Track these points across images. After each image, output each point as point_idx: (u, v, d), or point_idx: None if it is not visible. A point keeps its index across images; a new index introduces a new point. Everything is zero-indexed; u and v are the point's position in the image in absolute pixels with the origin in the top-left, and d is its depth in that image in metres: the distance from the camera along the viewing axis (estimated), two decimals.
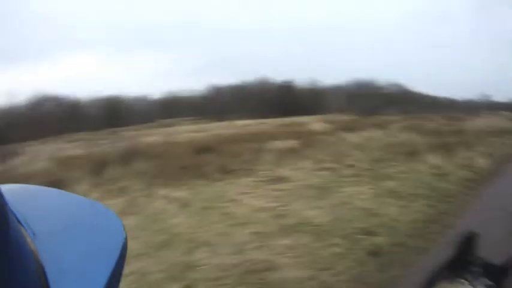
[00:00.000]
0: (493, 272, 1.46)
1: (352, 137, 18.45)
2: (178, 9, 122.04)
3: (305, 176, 10.90)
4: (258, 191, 9.81)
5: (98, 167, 13.66)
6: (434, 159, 12.36)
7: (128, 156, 14.61)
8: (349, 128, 22.28)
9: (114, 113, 52.11)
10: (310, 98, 50.04)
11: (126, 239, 0.84)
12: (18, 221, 0.79)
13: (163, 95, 61.52)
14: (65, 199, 1.09)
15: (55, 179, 12.65)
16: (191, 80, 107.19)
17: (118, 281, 0.77)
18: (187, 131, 28.47)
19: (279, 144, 14.80)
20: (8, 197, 0.63)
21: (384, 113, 36.57)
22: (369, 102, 41.12)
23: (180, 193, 10.12)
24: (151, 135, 26.46)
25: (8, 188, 0.88)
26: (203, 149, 14.79)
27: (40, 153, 22.96)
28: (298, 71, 79.41)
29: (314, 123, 25.73)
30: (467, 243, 1.51)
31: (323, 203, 8.20)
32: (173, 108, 55.49)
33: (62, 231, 0.88)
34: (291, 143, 15.05)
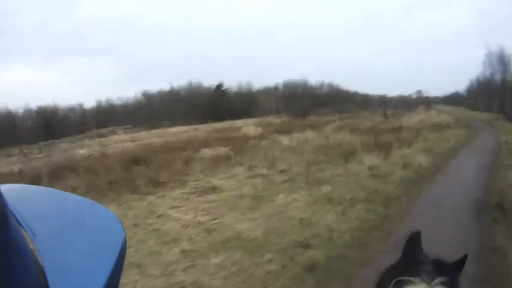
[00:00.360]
0: (445, 269, 1.46)
1: (286, 140, 18.16)
2: (109, 11, 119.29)
3: (237, 184, 10.48)
4: (188, 203, 9.34)
5: (31, 183, 12.84)
6: (371, 159, 11.91)
7: (60, 172, 14.34)
8: (282, 130, 22.13)
9: (48, 124, 50.78)
10: (243, 101, 49.73)
11: (125, 239, 0.82)
12: (18, 222, 0.76)
13: (97, 103, 59.96)
14: (64, 199, 1.02)
15: None
16: (125, 86, 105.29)
17: (117, 281, 0.75)
18: (120, 141, 27.91)
19: (211, 151, 14.30)
20: (7, 197, 0.61)
21: (317, 114, 36.71)
22: (302, 103, 41.15)
23: (111, 209, 9.56)
24: (84, 147, 26.00)
25: (7, 189, 0.79)
26: (134, 160, 14.15)
27: None
28: (230, 75, 79.08)
29: (247, 127, 25.42)
30: (412, 243, 1.53)
31: (256, 214, 7.74)
32: (107, 116, 54.35)
33: (62, 232, 0.85)
34: (223, 150, 14.53)
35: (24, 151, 30.52)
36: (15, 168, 19.18)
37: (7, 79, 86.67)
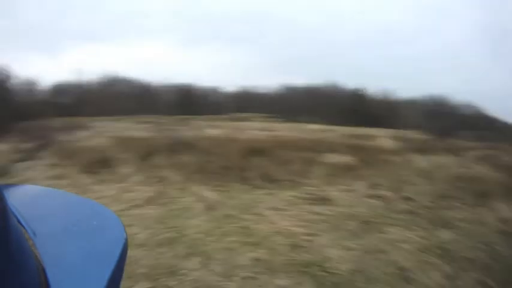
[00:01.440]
0: None
1: (421, 161, 16.09)
2: (252, 2, 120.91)
3: (351, 201, 9.36)
4: (292, 209, 8.65)
5: (149, 152, 13.77)
6: (505, 208, 9.42)
7: (179, 146, 14.47)
8: (420, 149, 19.70)
9: (185, 101, 52.39)
10: (383, 110, 47.78)
11: (126, 239, 0.92)
12: (19, 222, 0.85)
13: (238, 88, 61.01)
14: (65, 200, 1.20)
15: (104, 156, 13.24)
16: (262, 76, 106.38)
17: (119, 281, 0.82)
18: (251, 128, 27.68)
19: (336, 158, 13.27)
20: (9, 197, 0.64)
21: (459, 137, 34.34)
22: (445, 122, 38.60)
23: (212, 194, 9.71)
24: (214, 128, 26.15)
25: (9, 189, 1.07)
26: (255, 150, 13.72)
27: (104, 130, 23.62)
28: (371, 80, 76.75)
29: (383, 138, 23.76)
30: None
31: (356, 243, 6.66)
32: (246, 103, 54.82)
33: (63, 232, 0.94)
34: (349, 159, 13.35)
35: (158, 120, 31.34)
36: (143, 134, 20.30)
37: (148, 55, 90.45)
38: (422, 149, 19.73)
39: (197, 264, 5.80)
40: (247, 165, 11.92)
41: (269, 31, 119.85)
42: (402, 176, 12.35)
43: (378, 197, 9.79)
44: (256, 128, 27.81)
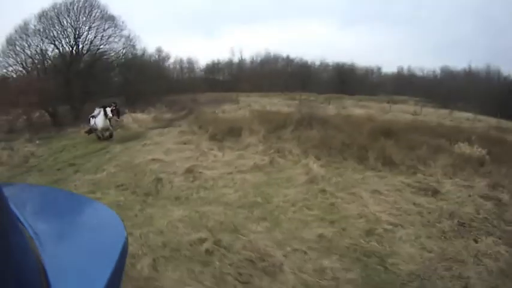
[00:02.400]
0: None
1: None
2: None
3: (462, 198, 8.34)
4: (393, 195, 8.14)
5: (279, 125, 14.08)
6: None
7: (312, 121, 14.32)
8: None
9: (343, 80, 52.19)
10: None
11: (126, 238, 0.97)
12: (20, 220, 0.85)
13: (398, 69, 59.76)
14: (66, 198, 1.25)
15: (234, 127, 13.98)
16: (423, 58, 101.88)
17: (119, 280, 0.86)
18: (397, 110, 26.83)
19: (465, 148, 12.11)
20: (9, 196, 0.64)
21: None
22: None
23: (320, 169, 9.64)
24: (361, 108, 26.04)
25: (9, 187, 1.08)
26: (385, 132, 13.12)
27: (246, 105, 24.23)
28: None
29: None
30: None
31: (438, 247, 5.91)
32: (405, 85, 53.24)
33: (63, 231, 0.99)
34: (479, 151, 12.00)
35: (310, 98, 32.86)
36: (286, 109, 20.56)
37: (307, 35, 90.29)
38: None
39: (261, 229, 6.10)
40: (372, 145, 11.49)
41: (430, 12, 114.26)
42: None
43: (495, 199, 8.53)
44: (402, 111, 26.94)
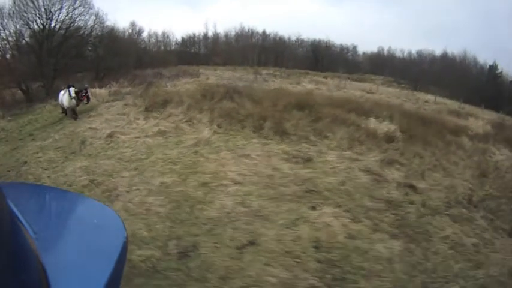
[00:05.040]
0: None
1: (500, 155, 13.30)
2: None
3: (330, 167, 9.05)
4: (262, 161, 9.03)
5: (205, 97, 14.69)
6: None
7: (233, 94, 14.98)
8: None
9: (316, 57, 52.41)
10: None
11: (126, 238, 0.93)
12: (20, 220, 0.84)
13: (378, 49, 59.33)
14: (66, 198, 1.22)
15: (168, 99, 14.76)
16: (409, 40, 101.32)
17: (119, 279, 0.84)
18: (353, 88, 27.41)
19: (377, 124, 12.74)
20: (9, 196, 0.65)
21: None
22: None
23: (212, 135, 10.89)
24: (316, 83, 26.54)
25: (9, 187, 1.04)
26: (302, 105, 13.74)
27: (207, 77, 25.02)
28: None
29: (477, 119, 21.81)
30: None
31: (255, 203, 6.94)
32: (381, 65, 53.65)
33: (63, 230, 0.97)
34: (392, 127, 12.57)
35: (272, 72, 33.41)
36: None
37: (293, 10, 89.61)
38: None
39: (128, 175, 8.45)
40: (277, 116, 12.20)
41: None
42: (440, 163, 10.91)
43: (377, 175, 9.04)
44: (358, 89, 27.58)
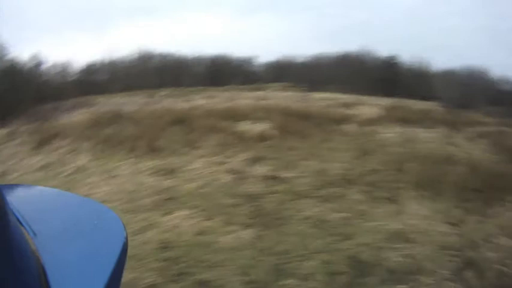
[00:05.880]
0: None
1: (389, 134, 14.95)
2: None
3: (195, 175, 9.38)
4: (128, 177, 9.35)
5: (93, 125, 14.94)
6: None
7: (122, 117, 15.76)
8: (410, 120, 18.64)
9: (215, 72, 52.92)
10: (415, 80, 46.34)
11: (126, 238, 0.91)
12: (19, 221, 0.84)
13: (277, 58, 60.42)
14: (65, 199, 1.19)
15: (58, 132, 14.61)
16: (313, 46, 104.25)
17: (119, 280, 0.81)
18: (245, 98, 28.02)
19: (251, 126, 13.32)
20: (9, 197, 0.66)
21: (480, 111, 32.56)
22: (466, 92, 36.63)
23: (85, 161, 10.90)
24: (210, 98, 27.12)
25: (9, 188, 1.02)
26: (179, 121, 14.38)
27: (97, 108, 24.93)
28: (420, 50, 73.29)
29: (366, 106, 23.16)
30: None
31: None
32: (281, 72, 54.44)
33: (63, 231, 0.94)
34: (265, 127, 13.16)
35: (169, 92, 33.57)
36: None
37: (189, 30, 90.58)
38: (408, 120, 18.87)
39: None
40: (152, 134, 12.60)
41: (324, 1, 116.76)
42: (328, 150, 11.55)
43: (241, 173, 9.49)
44: (250, 98, 28.35)
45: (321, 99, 28.67)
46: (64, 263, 0.79)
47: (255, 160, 10.29)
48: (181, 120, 14.28)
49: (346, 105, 23.88)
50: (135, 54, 53.77)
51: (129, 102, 26.26)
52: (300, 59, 57.76)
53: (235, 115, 15.17)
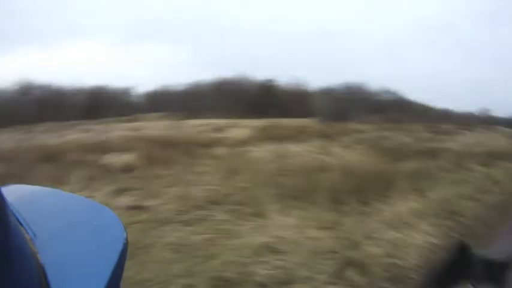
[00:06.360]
0: (494, 269, 1.45)
1: (259, 153, 15.41)
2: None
3: None
4: None
5: None
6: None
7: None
8: (282, 137, 19.38)
9: (94, 104, 52.11)
10: (293, 99, 48.39)
11: (126, 239, 0.89)
12: (19, 222, 0.84)
13: (155, 87, 60.88)
14: (65, 200, 1.18)
15: None
16: (194, 74, 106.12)
17: (119, 280, 0.81)
18: (120, 129, 27.80)
19: (117, 158, 13.20)
20: (9, 198, 0.64)
21: (358, 120, 34.33)
22: (340, 106, 38.78)
23: None
24: (83, 132, 26.42)
25: (9, 189, 1.01)
26: (51, 156, 13.90)
27: None
28: (286, 72, 77.36)
29: (237, 128, 23.73)
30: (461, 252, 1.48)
31: None
32: (160, 102, 54.74)
33: (63, 232, 0.93)
34: (131, 158, 13.12)
35: (46, 128, 32.64)
36: None
37: (68, 58, 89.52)
38: (283, 137, 19.52)
39: None
40: (23, 173, 11.86)
41: (202, 30, 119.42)
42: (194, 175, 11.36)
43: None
44: (123, 129, 28.06)
45: (194, 126, 28.95)
46: (64, 263, 0.78)
47: (120, 191, 10.10)
48: (51, 156, 13.85)
49: (219, 129, 24.47)
50: (14, 85, 51.93)
51: (3, 140, 25.19)
52: (178, 87, 58.28)
53: (104, 148, 15.11)
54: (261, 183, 9.68)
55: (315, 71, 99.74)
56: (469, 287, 1.34)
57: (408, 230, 6.60)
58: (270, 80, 53.10)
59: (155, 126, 29.50)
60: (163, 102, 54.11)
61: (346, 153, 15.51)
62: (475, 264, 1.38)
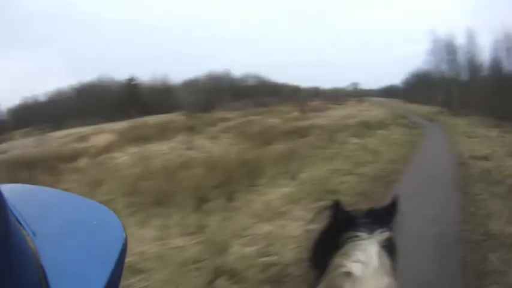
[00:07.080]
0: (380, 216, 1.71)
1: (124, 157, 15.33)
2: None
3: None
4: None
5: None
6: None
7: None
8: (148, 137, 19.49)
9: None
10: (158, 96, 48.65)
11: (125, 239, 0.89)
12: (19, 221, 0.83)
13: (22, 100, 56.92)
14: (65, 199, 1.14)
15: None
16: (57, 79, 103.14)
17: (118, 280, 0.80)
18: None
19: None
20: (8, 197, 0.64)
21: (226, 108, 34.93)
22: (205, 95, 39.26)
23: None
24: None
25: (8, 188, 0.95)
26: None
27: None
28: (149, 69, 76.65)
29: (100, 134, 23.52)
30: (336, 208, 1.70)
31: None
32: (24, 116, 51.78)
33: (62, 231, 0.92)
34: None
35: None
36: None
37: None
38: (146, 137, 19.61)
39: None
40: None
41: (65, 31, 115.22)
42: None
43: None
44: None
45: (59, 138, 28.32)
46: (64, 263, 0.79)
47: None
48: None
49: (82, 138, 24.02)
50: None
51: None
52: (42, 98, 55.66)
53: None
54: (122, 193, 9.32)
55: (179, 64, 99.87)
56: (353, 234, 1.50)
57: (281, 220, 6.38)
58: (132, 79, 52.59)
59: (20, 146, 28.07)
60: (29, 116, 51.31)
61: (212, 144, 15.72)
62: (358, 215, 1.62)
